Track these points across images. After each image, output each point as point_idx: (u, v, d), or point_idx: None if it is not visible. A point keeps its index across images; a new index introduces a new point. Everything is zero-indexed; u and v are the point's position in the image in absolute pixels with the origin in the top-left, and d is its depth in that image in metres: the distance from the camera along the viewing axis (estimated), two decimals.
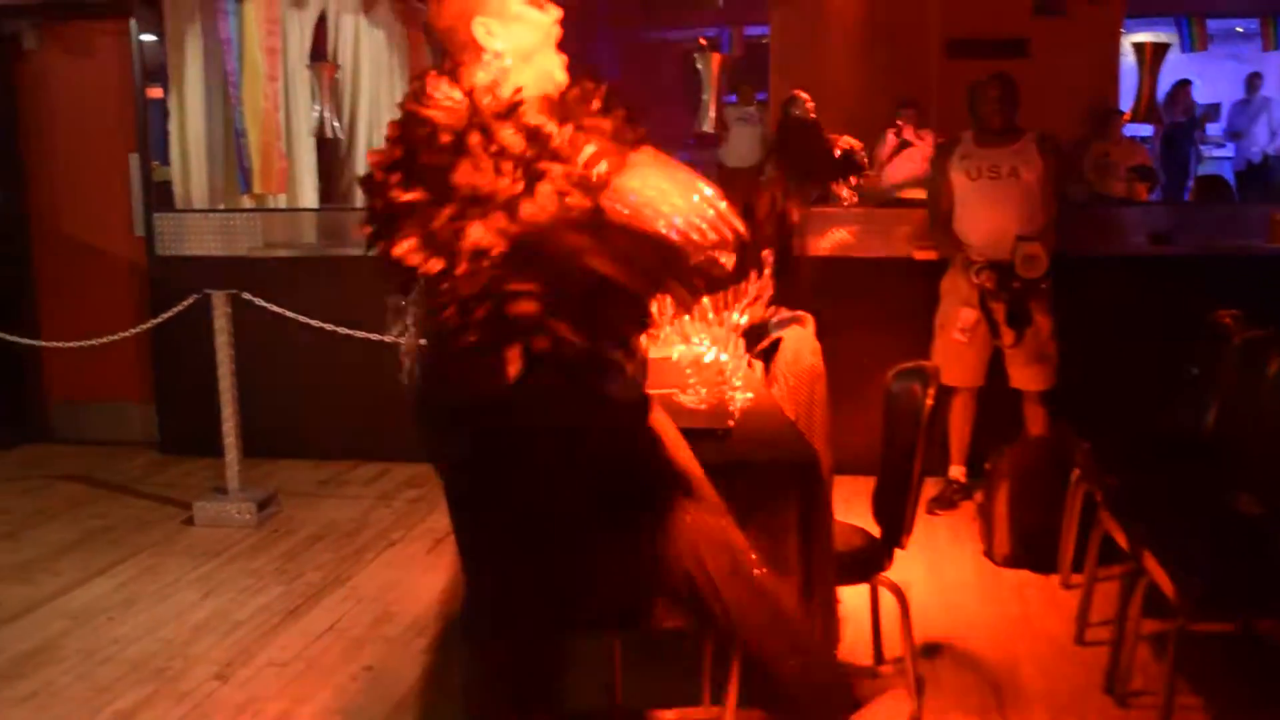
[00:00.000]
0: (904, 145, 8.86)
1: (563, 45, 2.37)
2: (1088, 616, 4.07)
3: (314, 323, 5.75)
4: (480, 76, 2.25)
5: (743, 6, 11.40)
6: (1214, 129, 12.72)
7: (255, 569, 4.91)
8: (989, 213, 5.24)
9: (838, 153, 7.68)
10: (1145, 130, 11.30)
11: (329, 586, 4.70)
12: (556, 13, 2.36)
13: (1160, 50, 10.55)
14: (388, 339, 5.52)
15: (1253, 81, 12.28)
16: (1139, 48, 10.55)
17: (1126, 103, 10.43)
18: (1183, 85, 11.60)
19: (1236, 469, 3.99)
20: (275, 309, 5.73)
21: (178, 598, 4.62)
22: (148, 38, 6.78)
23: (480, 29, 2.27)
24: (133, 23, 6.63)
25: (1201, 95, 11.96)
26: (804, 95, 8.47)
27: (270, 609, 4.48)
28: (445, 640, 4.13)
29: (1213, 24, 12.86)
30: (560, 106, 2.23)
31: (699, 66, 6.15)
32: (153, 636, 4.25)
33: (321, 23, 8.31)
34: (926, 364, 3.52)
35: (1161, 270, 5.81)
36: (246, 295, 5.66)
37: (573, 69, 2.37)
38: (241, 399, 5.60)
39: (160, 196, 6.76)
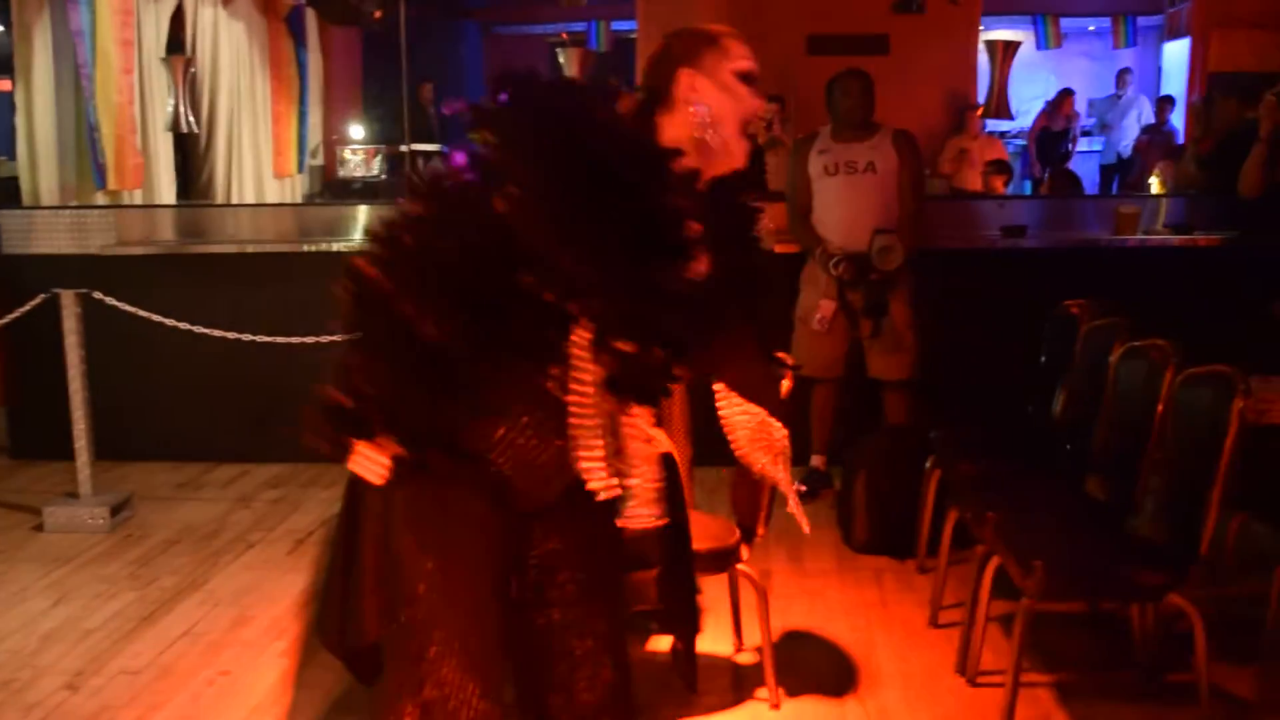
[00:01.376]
0: (771, 141, 8.97)
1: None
2: (941, 600, 4.16)
3: (169, 321, 5.62)
4: (675, 125, 2.26)
5: (610, 2, 11.42)
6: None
7: (108, 575, 4.78)
8: (846, 206, 5.32)
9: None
10: (1006, 124, 11.63)
11: (185, 591, 4.60)
12: (762, 102, 2.36)
13: (1011, 48, 10.85)
14: (246, 337, 5.44)
15: (1122, 77, 12.68)
16: (991, 45, 10.83)
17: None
18: (1066, 95, 11.95)
19: (1083, 454, 4.12)
20: (129, 308, 5.58)
21: (26, 606, 4.48)
22: None
23: (686, 79, 2.27)
24: None
25: (1053, 92, 12.32)
26: None
27: (123, 615, 4.37)
28: (304, 642, 4.06)
29: (1066, 22, 13.26)
30: None
31: (562, 61, 6.15)
32: (0, 647, 4.12)
33: (179, 14, 8.15)
34: (785, 355, 3.56)
35: (1015, 262, 5.98)
36: (98, 294, 5.50)
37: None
38: (96, 401, 5.44)
39: (6, 193, 6.54)
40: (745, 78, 2.32)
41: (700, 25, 2.39)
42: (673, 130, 2.26)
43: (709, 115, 2.27)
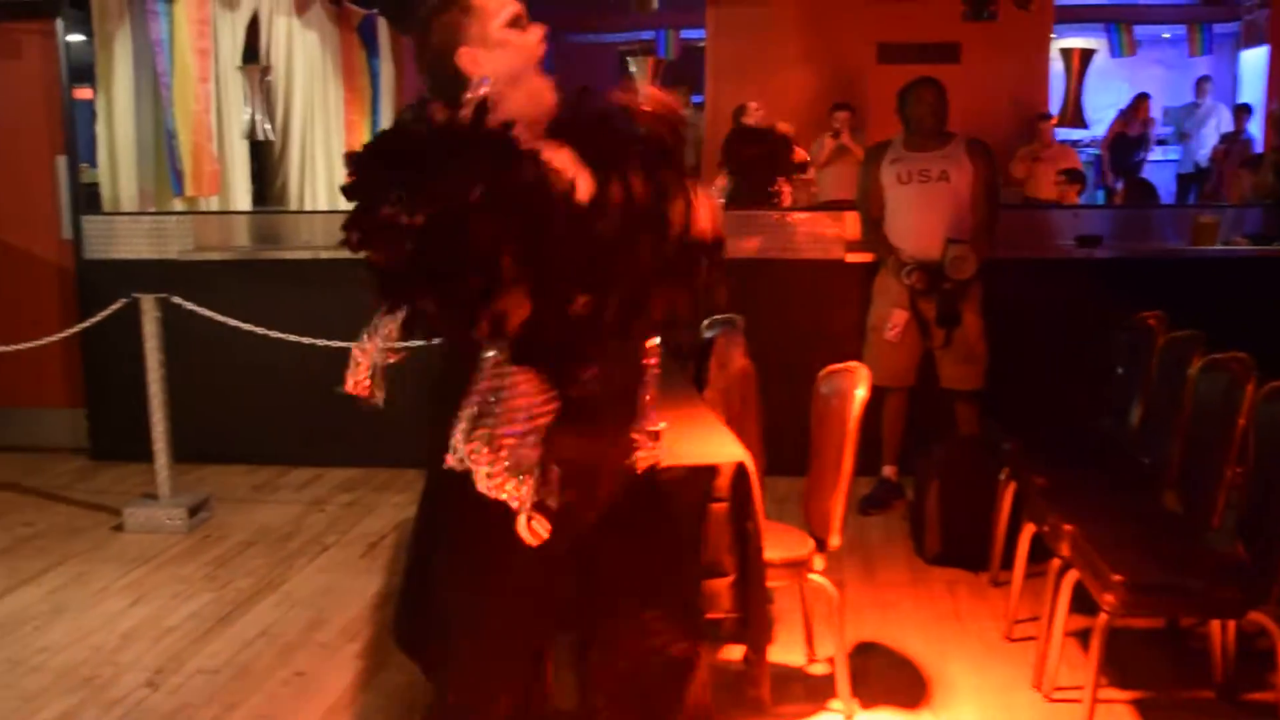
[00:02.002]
0: (841, 149, 8.95)
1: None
2: (1017, 613, 4.13)
3: (245, 326, 5.70)
4: (470, 103, 2.23)
5: (679, 10, 11.44)
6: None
7: (186, 575, 4.86)
8: (919, 216, 5.30)
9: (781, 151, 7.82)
10: (1079, 133, 11.51)
11: (261, 592, 4.66)
12: (538, 32, 2.34)
13: (1087, 56, 10.73)
14: (320, 342, 5.51)
15: (1201, 85, 12.44)
16: (1066, 53, 10.71)
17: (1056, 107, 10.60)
18: (1142, 99, 11.78)
19: (1160, 467, 4.07)
20: (206, 313, 5.67)
21: (106, 605, 4.56)
22: (75, 38, 6.70)
23: (466, 59, 2.26)
24: (59, 23, 6.54)
25: (1127, 100, 12.16)
26: (754, 104, 8.50)
27: (200, 615, 4.44)
28: (378, 645, 4.10)
29: (1140, 30, 13.09)
30: None
31: (633, 69, 6.17)
32: (81, 644, 4.20)
33: (254, 24, 8.26)
34: (856, 365, 3.56)
35: (1089, 272, 5.91)
36: (176, 299, 5.60)
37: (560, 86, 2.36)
38: (173, 403, 5.54)
39: (88, 199, 6.67)
40: (514, 24, 2.32)
41: None
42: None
43: (499, 80, 2.25)
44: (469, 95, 2.23)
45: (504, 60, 2.28)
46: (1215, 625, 3.69)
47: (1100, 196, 11.36)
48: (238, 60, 8.04)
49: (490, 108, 2.17)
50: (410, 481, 2.36)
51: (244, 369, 6.24)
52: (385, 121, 10.27)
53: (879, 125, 7.82)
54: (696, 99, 11.15)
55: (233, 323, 5.70)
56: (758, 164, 8.18)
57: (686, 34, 13.11)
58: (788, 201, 7.87)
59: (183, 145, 7.01)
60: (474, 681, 2.44)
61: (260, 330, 5.70)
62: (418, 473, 2.55)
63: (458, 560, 2.39)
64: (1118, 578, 3.19)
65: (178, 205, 7.11)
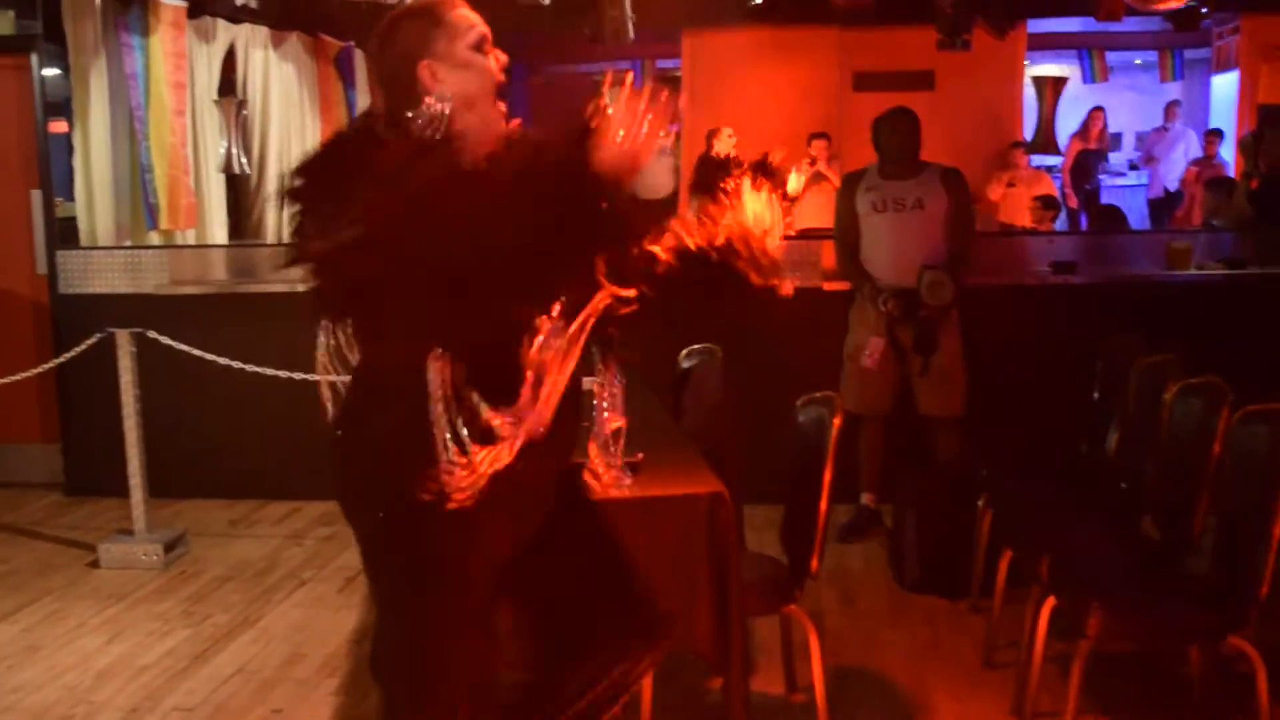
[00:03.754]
0: (817, 177, 8.99)
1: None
2: (996, 640, 4.12)
3: (222, 360, 5.68)
4: (419, 121, 2.23)
5: (654, 40, 11.48)
6: (1116, 157, 12.99)
7: (162, 612, 4.82)
8: (895, 244, 5.32)
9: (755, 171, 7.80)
10: (1053, 159, 11.56)
11: (238, 628, 4.63)
12: (501, 59, 2.32)
13: (1059, 84, 10.81)
14: (298, 376, 5.49)
15: (1170, 109, 12.48)
16: (1039, 81, 10.79)
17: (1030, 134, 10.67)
18: (1097, 112, 11.84)
19: (1138, 492, 4.08)
20: (182, 347, 5.65)
21: (82, 643, 4.52)
22: (50, 72, 6.68)
23: (426, 72, 2.24)
24: (34, 57, 6.53)
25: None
26: (728, 130, 8.53)
27: (177, 652, 4.40)
28: (356, 680, 4.07)
29: (1112, 56, 13.20)
30: None
31: (608, 100, 6.18)
32: (56, 684, 4.15)
33: (230, 57, 8.26)
34: (833, 394, 3.56)
35: (1064, 298, 5.94)
36: (152, 334, 5.57)
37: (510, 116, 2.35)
38: (149, 438, 5.51)
39: (64, 233, 6.64)
40: (479, 46, 2.30)
41: (413, 2, 2.33)
42: (423, 122, 2.23)
43: (456, 99, 2.24)
44: (424, 107, 2.23)
45: (464, 81, 2.27)
46: (1194, 650, 3.70)
47: (1065, 220, 11.36)
48: (213, 93, 8.04)
49: (442, 123, 2.18)
50: None
51: (220, 403, 6.21)
52: None
53: (855, 153, 7.86)
54: (674, 127, 11.19)
55: (209, 357, 5.68)
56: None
57: (662, 63, 13.18)
58: None
59: (158, 179, 6.99)
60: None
61: (236, 364, 5.68)
62: None
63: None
64: (1095, 604, 3.19)
65: (153, 239, 7.09)
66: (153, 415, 5.56)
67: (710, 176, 8.36)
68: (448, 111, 2.23)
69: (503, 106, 2.33)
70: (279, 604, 4.88)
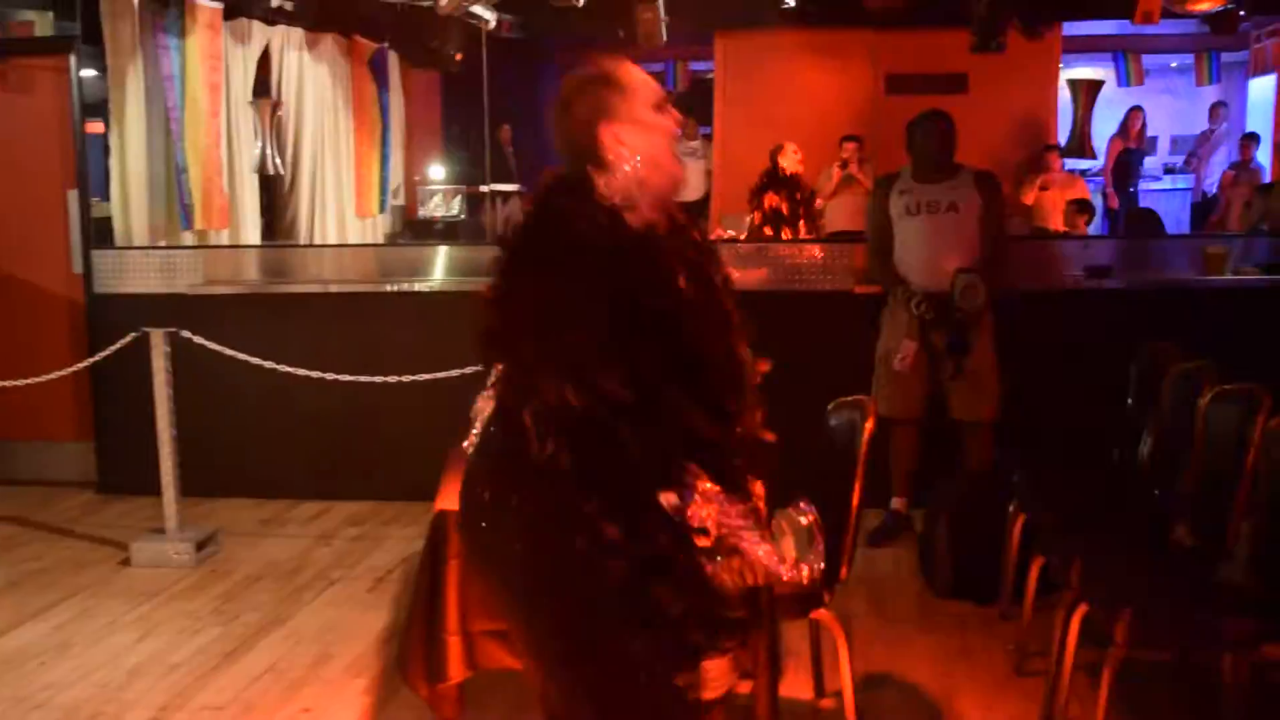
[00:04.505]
0: (849, 179, 8.95)
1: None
2: (1027, 646, 4.09)
3: (254, 360, 5.71)
4: (613, 184, 2.27)
5: (687, 42, 11.48)
6: (1151, 161, 12.87)
7: (193, 610, 4.84)
8: (927, 246, 5.29)
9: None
10: (1087, 163, 11.47)
11: (267, 627, 4.65)
12: (676, 116, 2.36)
13: (1094, 87, 10.72)
14: (330, 376, 5.51)
15: (1215, 111, 12.34)
16: (1074, 84, 10.70)
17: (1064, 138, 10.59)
18: (1136, 111, 11.72)
19: (1172, 499, 4.04)
20: (215, 347, 5.68)
21: (113, 640, 4.55)
22: (88, 73, 6.74)
23: (608, 135, 2.27)
24: (72, 59, 6.59)
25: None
26: (793, 145, 8.47)
27: (207, 651, 4.42)
28: (384, 680, 4.08)
29: (1148, 59, 13.10)
30: None
31: None
32: (87, 681, 4.18)
33: (265, 59, 8.30)
34: (864, 398, 3.55)
35: (1099, 303, 5.90)
36: (186, 333, 5.61)
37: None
38: (182, 438, 5.54)
39: (99, 233, 6.69)
40: (658, 106, 2.33)
41: (590, 69, 2.35)
42: (614, 184, 2.27)
43: (643, 160, 2.28)
44: (616, 171, 2.27)
45: (649, 142, 2.30)
46: (1227, 659, 3.65)
47: (1105, 223, 11.26)
48: (248, 95, 8.08)
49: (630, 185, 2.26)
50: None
51: (252, 403, 6.25)
52: (395, 155, 10.33)
53: (887, 156, 7.83)
54: (705, 130, 11.19)
55: (242, 356, 5.71)
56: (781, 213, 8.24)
57: (695, 66, 13.19)
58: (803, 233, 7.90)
59: (193, 179, 7.04)
60: None
61: (269, 364, 5.71)
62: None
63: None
64: (1127, 611, 3.16)
65: (188, 239, 7.13)
66: (185, 415, 5.60)
67: (777, 194, 8.34)
68: (636, 173, 2.27)
69: (680, 162, 2.38)
70: (309, 603, 4.90)
